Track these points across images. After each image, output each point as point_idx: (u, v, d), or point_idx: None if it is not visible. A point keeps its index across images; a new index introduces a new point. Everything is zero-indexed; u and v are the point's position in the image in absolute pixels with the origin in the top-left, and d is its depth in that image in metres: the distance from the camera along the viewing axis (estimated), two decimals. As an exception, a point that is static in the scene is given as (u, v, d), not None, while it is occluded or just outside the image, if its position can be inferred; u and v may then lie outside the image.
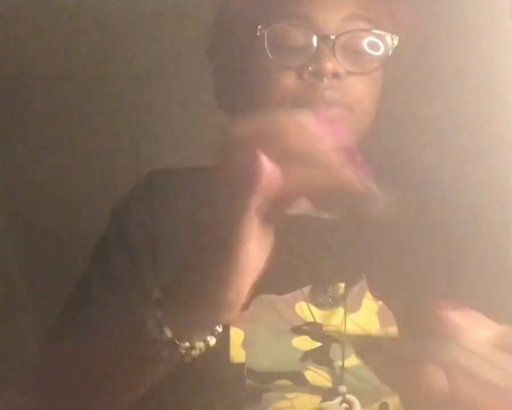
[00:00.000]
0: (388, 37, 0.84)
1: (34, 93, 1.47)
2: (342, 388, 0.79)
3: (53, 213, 1.41)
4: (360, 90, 0.84)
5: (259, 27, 0.83)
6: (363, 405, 0.80)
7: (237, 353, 0.80)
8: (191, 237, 0.88)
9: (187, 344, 0.62)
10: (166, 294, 0.63)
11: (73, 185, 1.43)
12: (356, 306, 0.84)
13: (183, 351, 0.62)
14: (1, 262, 1.37)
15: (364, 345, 0.60)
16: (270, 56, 0.83)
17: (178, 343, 0.61)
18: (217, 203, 0.60)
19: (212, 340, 0.63)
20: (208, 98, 1.18)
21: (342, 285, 0.84)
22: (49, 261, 1.38)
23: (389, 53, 0.85)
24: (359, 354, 0.65)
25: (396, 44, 0.85)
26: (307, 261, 0.86)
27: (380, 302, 0.84)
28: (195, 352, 0.62)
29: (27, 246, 1.39)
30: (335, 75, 0.82)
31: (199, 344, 0.62)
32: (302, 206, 0.57)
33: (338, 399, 0.79)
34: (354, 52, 0.83)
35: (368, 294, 0.84)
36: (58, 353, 0.84)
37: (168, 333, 0.61)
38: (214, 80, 0.95)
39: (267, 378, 0.80)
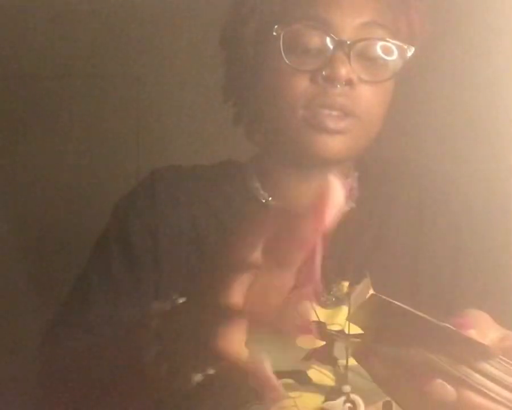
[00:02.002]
0: (403, 47, 0.84)
1: (34, 93, 1.47)
2: (346, 388, 0.79)
3: (52, 213, 1.40)
4: (370, 99, 0.84)
5: (276, 26, 0.83)
6: (366, 403, 0.79)
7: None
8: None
9: (184, 378, 0.56)
10: (166, 324, 0.57)
11: (73, 185, 1.42)
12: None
13: (180, 383, 0.56)
14: (1, 262, 1.36)
15: (363, 348, 0.58)
16: (285, 58, 0.83)
17: (174, 378, 0.56)
18: None
19: (211, 371, 0.56)
20: (208, 98, 1.18)
21: (346, 284, 0.84)
22: (49, 260, 1.37)
23: (403, 64, 0.84)
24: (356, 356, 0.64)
25: (411, 54, 0.84)
26: None
27: None
28: (191, 385, 0.56)
29: (27, 246, 1.39)
30: (349, 82, 0.81)
31: (197, 377, 0.56)
32: None
33: (342, 398, 0.79)
34: (368, 60, 0.83)
35: (371, 291, 0.84)
36: (55, 354, 0.83)
37: (166, 368, 0.55)
38: (224, 71, 0.95)
39: None
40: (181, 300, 0.57)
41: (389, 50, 0.84)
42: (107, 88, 1.47)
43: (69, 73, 1.48)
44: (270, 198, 0.91)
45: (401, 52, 0.84)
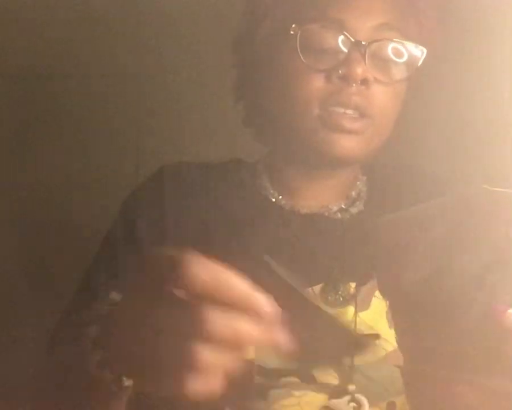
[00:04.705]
0: (417, 48, 0.85)
1: (34, 93, 1.47)
2: (351, 387, 0.79)
3: (52, 213, 1.40)
4: (384, 99, 0.85)
5: (293, 25, 0.84)
6: (370, 404, 0.80)
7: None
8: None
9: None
10: (104, 333, 0.56)
11: (73, 184, 1.42)
12: (365, 305, 0.84)
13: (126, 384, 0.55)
14: (1, 262, 1.36)
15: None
16: (301, 56, 0.83)
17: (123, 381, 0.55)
18: None
19: None
20: (209, 98, 1.18)
21: (352, 285, 0.85)
22: (48, 260, 1.37)
23: (417, 65, 0.85)
24: None
25: (424, 56, 0.85)
26: (318, 260, 0.86)
27: (388, 301, 0.84)
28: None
29: (27, 246, 1.38)
30: (364, 81, 0.82)
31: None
32: None
33: (347, 398, 0.79)
34: (383, 60, 0.84)
35: (377, 293, 0.85)
36: (62, 356, 0.83)
37: (109, 376, 0.55)
38: (235, 73, 0.95)
39: (275, 375, 0.80)
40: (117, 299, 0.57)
41: (403, 52, 0.85)
42: (106, 88, 1.47)
43: (69, 73, 1.48)
44: (280, 197, 0.92)
45: (415, 53, 0.85)
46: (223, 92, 0.99)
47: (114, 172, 1.41)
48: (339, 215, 0.90)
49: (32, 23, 1.44)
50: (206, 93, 1.34)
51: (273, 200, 0.91)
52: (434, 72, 0.91)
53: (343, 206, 0.91)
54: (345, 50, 0.83)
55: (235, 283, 0.47)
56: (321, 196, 0.92)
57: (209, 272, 0.47)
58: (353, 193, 0.93)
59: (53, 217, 1.39)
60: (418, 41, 0.86)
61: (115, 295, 0.61)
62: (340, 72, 0.82)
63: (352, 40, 0.82)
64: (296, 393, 0.80)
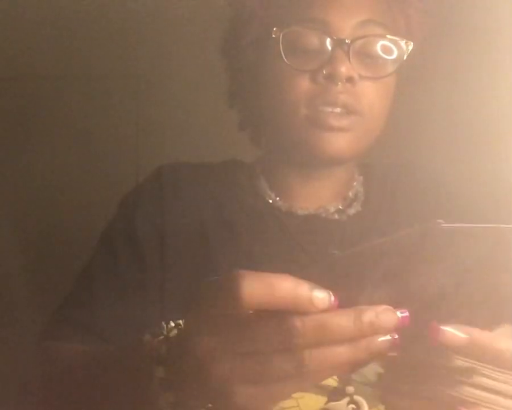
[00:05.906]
0: (402, 43, 0.85)
1: (34, 94, 1.47)
2: (350, 389, 0.79)
3: (52, 213, 1.41)
4: (372, 95, 0.84)
5: (274, 28, 0.83)
6: (369, 405, 0.79)
7: None
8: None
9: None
10: (173, 374, 0.55)
11: (73, 184, 1.42)
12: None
13: None
14: (1, 262, 1.36)
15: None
16: (284, 58, 0.83)
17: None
18: None
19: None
20: (208, 99, 1.18)
21: None
22: (49, 260, 1.37)
23: (403, 59, 0.85)
24: None
25: (410, 50, 0.85)
26: (316, 260, 0.86)
27: None
28: None
29: (27, 246, 1.39)
30: (349, 79, 0.82)
31: None
32: None
33: (346, 400, 0.79)
34: (368, 57, 0.83)
35: None
36: (55, 352, 0.82)
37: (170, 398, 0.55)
38: (227, 78, 0.95)
39: None
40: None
41: (388, 47, 0.85)
42: (107, 88, 1.47)
43: (69, 73, 1.48)
44: (277, 198, 0.91)
45: (400, 48, 0.85)
46: (221, 93, 0.99)
47: (114, 172, 1.41)
48: (336, 216, 0.90)
49: (32, 23, 1.44)
50: (206, 94, 1.33)
51: (270, 201, 0.91)
52: (429, 68, 0.91)
53: (340, 207, 0.91)
54: (329, 50, 0.82)
55: (283, 286, 0.47)
56: (318, 197, 0.91)
57: (259, 285, 0.47)
58: (350, 193, 0.93)
59: (52, 217, 1.39)
60: (406, 34, 0.86)
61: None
62: (324, 71, 0.82)
63: (335, 38, 0.82)
64: (295, 395, 0.80)
